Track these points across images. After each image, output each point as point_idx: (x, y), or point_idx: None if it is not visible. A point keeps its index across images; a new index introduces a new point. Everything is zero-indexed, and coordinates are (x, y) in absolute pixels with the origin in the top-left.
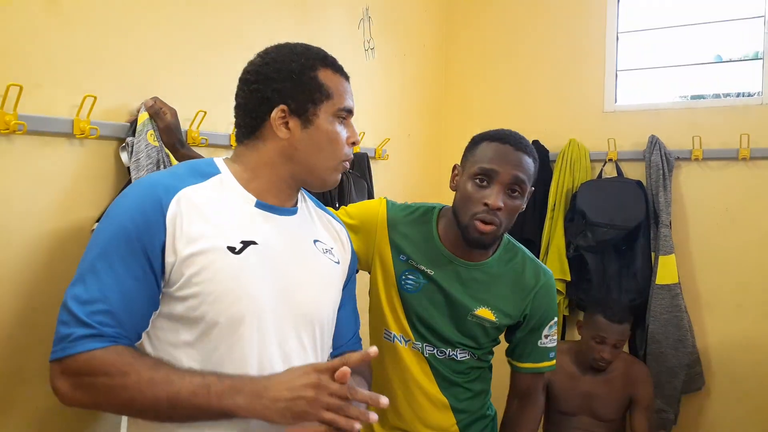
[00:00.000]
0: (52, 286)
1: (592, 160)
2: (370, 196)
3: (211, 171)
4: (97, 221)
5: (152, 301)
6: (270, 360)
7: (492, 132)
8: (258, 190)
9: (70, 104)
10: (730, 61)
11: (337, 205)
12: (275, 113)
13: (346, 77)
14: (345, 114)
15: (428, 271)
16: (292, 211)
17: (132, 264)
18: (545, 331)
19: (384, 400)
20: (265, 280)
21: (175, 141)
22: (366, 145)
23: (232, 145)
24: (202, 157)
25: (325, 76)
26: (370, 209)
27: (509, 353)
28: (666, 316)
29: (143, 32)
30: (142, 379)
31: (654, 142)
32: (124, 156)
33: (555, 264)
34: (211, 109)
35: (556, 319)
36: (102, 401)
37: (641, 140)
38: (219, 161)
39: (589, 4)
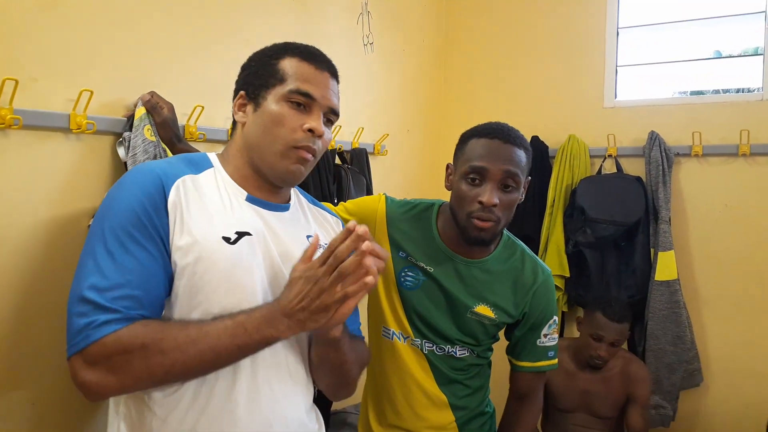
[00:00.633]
0: (48, 280)
1: (591, 156)
2: (369, 191)
3: (205, 164)
4: (95, 216)
5: (168, 283)
6: (262, 352)
7: (480, 128)
8: (242, 183)
9: (67, 99)
10: (730, 56)
11: (335, 201)
12: (236, 99)
13: (323, 69)
14: (298, 97)
15: (428, 268)
16: (284, 207)
17: (147, 245)
18: (544, 330)
19: (360, 228)
20: (259, 271)
21: (172, 136)
22: (365, 140)
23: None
24: (198, 151)
25: (288, 63)
26: (368, 205)
27: (509, 352)
28: (665, 312)
29: (140, 26)
30: (179, 341)
31: (654, 138)
32: (120, 151)
33: (554, 260)
34: (208, 103)
35: (555, 318)
36: (142, 377)
37: (641, 136)
38: (212, 156)
39: (589, 0)
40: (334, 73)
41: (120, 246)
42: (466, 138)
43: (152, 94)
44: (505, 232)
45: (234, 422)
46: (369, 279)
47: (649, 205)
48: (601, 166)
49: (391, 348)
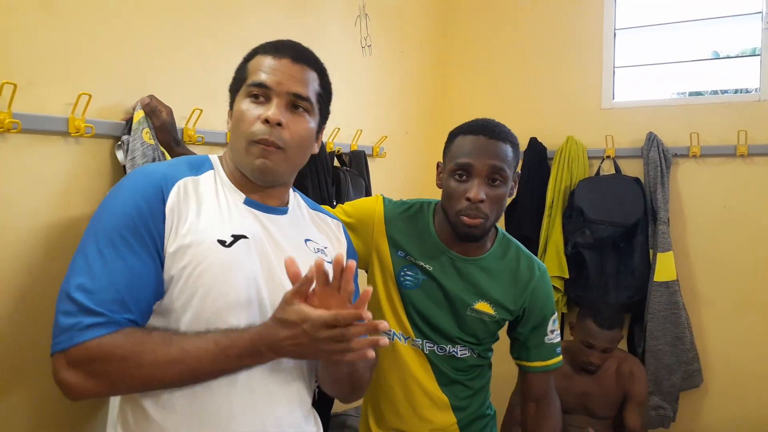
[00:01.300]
0: (47, 283)
1: (589, 158)
2: (368, 193)
3: (206, 165)
4: (97, 215)
5: (159, 288)
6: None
7: (466, 125)
8: (240, 186)
9: (65, 102)
10: (728, 57)
11: (334, 203)
12: (228, 110)
13: (284, 56)
14: (253, 89)
15: (426, 266)
16: (282, 210)
17: (140, 249)
18: (550, 327)
19: (384, 325)
20: (255, 274)
21: (170, 139)
22: (363, 142)
23: (227, 143)
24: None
25: (254, 61)
26: (366, 206)
27: (517, 356)
28: (664, 313)
29: (138, 30)
30: (158, 358)
31: (652, 139)
32: (119, 154)
33: (553, 261)
34: (206, 107)
35: (556, 313)
36: (120, 386)
37: (639, 137)
38: (213, 158)
39: (586, 2)
40: (298, 58)
41: (112, 248)
42: (453, 136)
43: (151, 97)
44: (500, 230)
45: (230, 425)
46: (371, 354)
47: (648, 206)
48: (600, 167)
49: (392, 349)
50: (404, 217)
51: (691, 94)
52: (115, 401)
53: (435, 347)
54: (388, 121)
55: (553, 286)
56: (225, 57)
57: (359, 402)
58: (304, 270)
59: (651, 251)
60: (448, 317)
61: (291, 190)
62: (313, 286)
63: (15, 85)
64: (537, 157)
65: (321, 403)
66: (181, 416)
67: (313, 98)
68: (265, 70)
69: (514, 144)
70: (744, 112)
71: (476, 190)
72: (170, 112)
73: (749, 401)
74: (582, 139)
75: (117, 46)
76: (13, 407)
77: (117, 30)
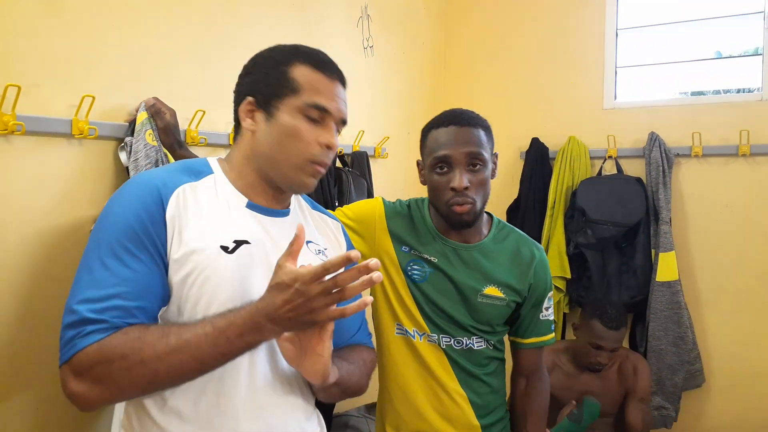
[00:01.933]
0: (51, 285)
1: (591, 158)
2: (370, 194)
3: (205, 170)
4: (98, 223)
5: (164, 294)
6: (259, 361)
7: (435, 119)
8: (245, 190)
9: (69, 104)
10: (730, 57)
11: (336, 204)
12: (243, 105)
13: (335, 78)
14: (313, 111)
15: (431, 258)
16: (284, 212)
17: (143, 258)
18: (545, 304)
19: (375, 262)
20: (257, 280)
21: (173, 141)
22: (365, 143)
23: (231, 145)
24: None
25: (299, 71)
26: (367, 207)
27: (513, 333)
28: (666, 313)
29: (141, 32)
30: (158, 350)
31: (654, 139)
32: (122, 156)
33: (555, 261)
34: (209, 108)
35: (552, 291)
36: (126, 387)
37: (641, 137)
38: (212, 161)
39: (588, 2)
40: (343, 81)
41: (115, 259)
42: (426, 131)
43: (155, 99)
44: (495, 216)
45: (235, 428)
46: (369, 299)
47: (650, 205)
48: (602, 167)
49: (409, 346)
50: (403, 214)
51: (693, 93)
52: (119, 407)
53: (452, 341)
54: (390, 121)
55: (555, 287)
56: (227, 59)
57: (361, 402)
58: (304, 260)
59: (653, 251)
60: (460, 306)
61: None
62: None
63: (19, 88)
64: (539, 157)
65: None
66: (185, 420)
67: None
68: (324, 92)
69: (486, 127)
70: (746, 112)
71: (459, 178)
72: (173, 113)
73: (751, 401)
74: (584, 139)
75: (120, 49)
76: (17, 409)
77: (120, 33)
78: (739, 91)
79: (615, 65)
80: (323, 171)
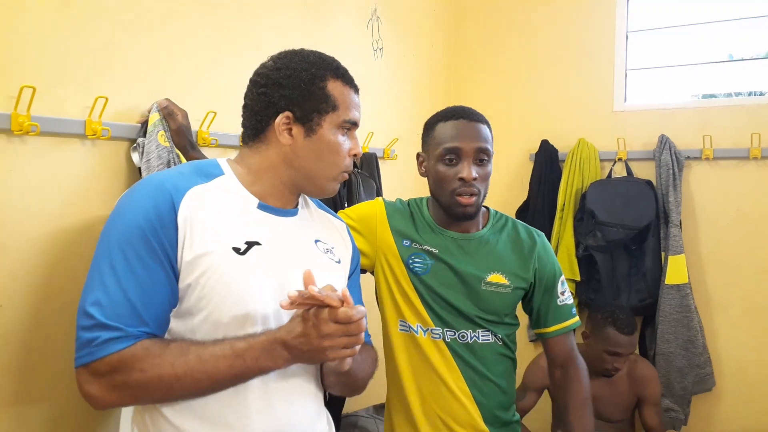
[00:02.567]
0: (65, 284)
1: (601, 160)
2: (379, 195)
3: (215, 172)
4: (110, 224)
5: (173, 298)
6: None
7: (442, 112)
8: (260, 193)
9: (82, 105)
10: (742, 59)
11: (345, 205)
12: (280, 119)
13: (356, 90)
14: (349, 126)
15: (433, 250)
16: (293, 212)
17: (151, 262)
18: (559, 288)
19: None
20: (268, 281)
21: (186, 143)
22: (374, 145)
23: (241, 146)
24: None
25: (333, 87)
26: (367, 207)
27: (535, 325)
28: (676, 316)
29: (154, 34)
30: (176, 369)
31: (664, 142)
32: (135, 156)
33: (564, 264)
34: (220, 110)
35: (563, 275)
36: (141, 397)
37: (651, 140)
38: (223, 162)
39: (598, 4)
40: (357, 90)
41: (124, 262)
42: (431, 124)
43: (168, 101)
44: (491, 208)
45: (247, 426)
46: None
47: (660, 208)
48: (611, 169)
49: (412, 343)
50: (402, 210)
51: (704, 96)
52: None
53: (456, 335)
54: (400, 123)
55: None
56: (239, 61)
57: (369, 402)
58: (316, 270)
59: (663, 254)
60: (464, 296)
61: None
62: None
63: (34, 89)
64: (548, 159)
65: (332, 403)
66: (198, 418)
67: None
68: (355, 107)
69: (489, 124)
70: (757, 115)
71: (468, 170)
72: (186, 115)
73: (762, 405)
74: (594, 141)
75: (133, 51)
76: (31, 407)
77: (133, 35)
78: (750, 94)
79: (625, 67)
80: (347, 177)
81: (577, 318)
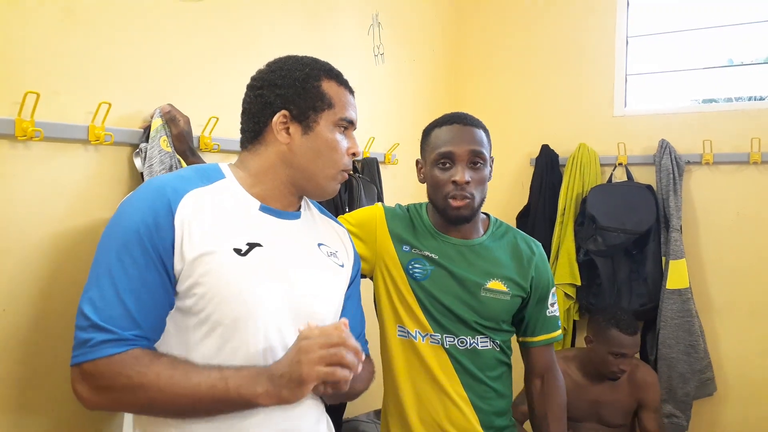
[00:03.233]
0: (67, 289)
1: (602, 165)
2: (380, 200)
3: (217, 175)
4: (109, 228)
5: (167, 301)
6: (275, 360)
7: (438, 119)
8: (261, 195)
9: (86, 111)
10: (742, 64)
11: (346, 210)
12: (277, 117)
13: (351, 91)
14: (346, 124)
15: (432, 255)
16: (295, 215)
17: (146, 265)
18: (550, 300)
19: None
20: (270, 282)
21: (186, 148)
22: (375, 149)
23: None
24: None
25: (328, 86)
26: (367, 212)
27: (522, 333)
28: (677, 321)
29: (157, 41)
30: (161, 379)
31: (664, 147)
32: (137, 162)
33: (565, 268)
34: (223, 115)
35: (555, 287)
36: (124, 403)
37: (651, 144)
38: (224, 166)
39: (598, 9)
40: (352, 92)
41: (120, 265)
42: (428, 131)
43: (170, 106)
44: (491, 215)
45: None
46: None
47: (660, 213)
48: (612, 174)
49: (411, 348)
50: (401, 215)
51: (704, 101)
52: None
53: (456, 341)
54: (401, 128)
55: (565, 294)
56: (241, 66)
57: (370, 407)
58: (320, 271)
59: (663, 259)
60: (464, 302)
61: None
62: None
63: (38, 95)
64: (549, 164)
65: (333, 409)
66: (197, 422)
67: None
68: (350, 106)
69: (485, 129)
70: (757, 120)
71: (461, 173)
72: (188, 121)
73: (764, 410)
74: (594, 146)
75: (136, 57)
76: (33, 409)
77: (136, 41)
78: (750, 98)
79: (625, 72)
80: (347, 177)
81: (561, 331)
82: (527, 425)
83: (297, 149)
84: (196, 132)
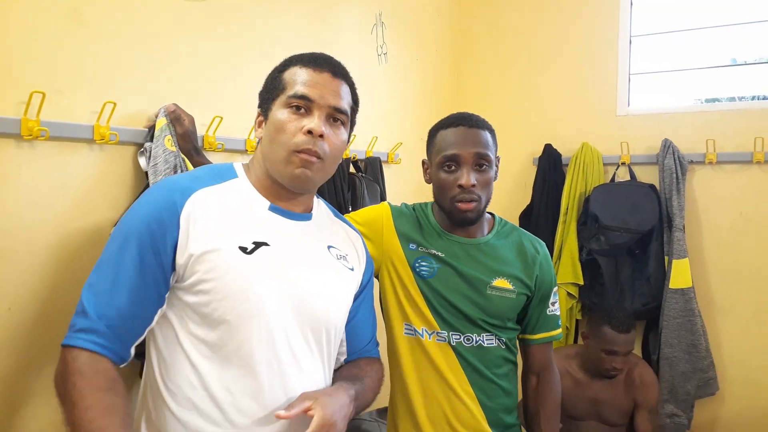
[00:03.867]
0: (72, 287)
1: (604, 164)
2: (383, 199)
3: (229, 174)
4: (116, 224)
5: (159, 299)
6: (277, 361)
7: (444, 120)
8: (266, 193)
9: (91, 110)
10: (745, 64)
11: (350, 209)
12: (256, 118)
13: (324, 70)
14: (296, 101)
15: (439, 254)
16: (306, 216)
17: (140, 262)
18: (551, 299)
19: None
20: (275, 281)
21: (190, 148)
22: (378, 149)
23: (247, 150)
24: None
25: (290, 72)
26: (374, 211)
27: (522, 330)
28: (679, 320)
29: (161, 40)
30: (85, 414)
31: (667, 146)
32: (142, 161)
33: (568, 268)
34: (227, 114)
35: (557, 287)
36: (60, 397)
37: (654, 144)
38: (238, 166)
39: (601, 8)
40: (336, 73)
41: (120, 258)
42: (434, 132)
43: (175, 106)
44: (496, 215)
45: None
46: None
47: (663, 212)
48: (615, 173)
49: (417, 346)
50: (408, 214)
51: (707, 100)
52: (141, 398)
53: (462, 338)
54: (403, 127)
55: (568, 293)
56: (245, 66)
57: (374, 406)
58: (326, 271)
59: (666, 258)
60: (470, 299)
61: (315, 197)
62: None
63: (44, 94)
64: (552, 163)
65: None
66: (202, 417)
67: (348, 111)
68: (306, 82)
69: (492, 131)
70: (761, 119)
71: (467, 176)
72: (192, 120)
73: (765, 409)
74: (597, 145)
75: (140, 57)
76: (37, 410)
77: (141, 40)
78: (753, 98)
79: (628, 72)
80: (313, 159)
81: (561, 330)
82: None
83: (263, 139)
84: (200, 131)
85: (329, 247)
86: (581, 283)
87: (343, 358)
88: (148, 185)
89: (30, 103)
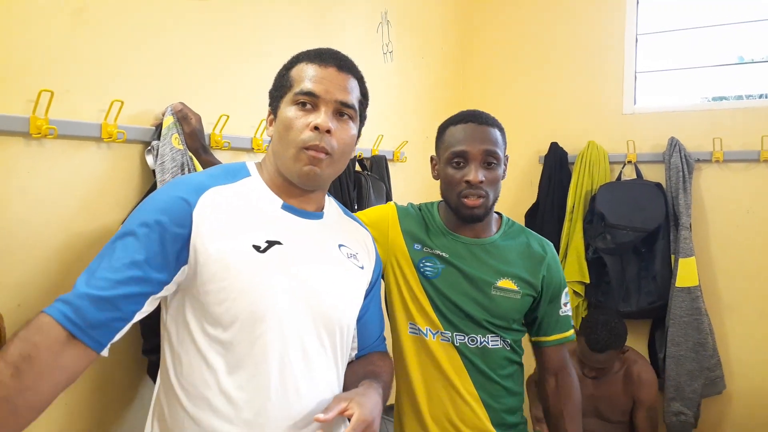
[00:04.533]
0: None
1: (611, 162)
2: (389, 198)
3: (242, 173)
4: (123, 222)
5: (147, 283)
6: (290, 359)
7: (454, 116)
8: (278, 192)
9: (98, 109)
10: (752, 62)
11: (356, 207)
12: (267, 116)
13: (329, 65)
14: (302, 98)
15: (443, 254)
16: (317, 215)
17: (142, 262)
18: (563, 300)
19: None
20: (287, 280)
21: (198, 146)
22: (384, 147)
23: (253, 148)
24: (221, 163)
25: (297, 69)
26: (380, 211)
27: (534, 333)
28: (686, 319)
29: (168, 40)
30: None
31: (674, 144)
32: (149, 159)
33: (574, 266)
34: (233, 113)
35: (567, 287)
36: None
37: (661, 142)
38: (251, 164)
39: (608, 7)
40: (342, 67)
41: (122, 245)
42: (443, 128)
43: (182, 104)
44: (504, 215)
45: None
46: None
47: (670, 211)
48: (621, 172)
49: (422, 345)
50: (414, 214)
51: (714, 99)
52: (156, 398)
53: (466, 339)
54: (409, 126)
55: (574, 291)
56: (251, 64)
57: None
58: (337, 269)
59: (672, 257)
60: (474, 300)
61: (326, 195)
62: None
63: (52, 93)
64: (558, 161)
65: None
66: (214, 413)
67: (356, 105)
68: (312, 78)
69: (501, 128)
70: None
71: (474, 173)
72: (199, 119)
73: None
74: (603, 144)
75: (148, 56)
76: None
77: (148, 40)
78: (760, 96)
79: (635, 70)
80: (321, 156)
81: (573, 330)
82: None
83: (273, 137)
84: (206, 130)
85: (340, 245)
86: (587, 281)
87: (354, 353)
88: (155, 183)
89: (38, 101)
